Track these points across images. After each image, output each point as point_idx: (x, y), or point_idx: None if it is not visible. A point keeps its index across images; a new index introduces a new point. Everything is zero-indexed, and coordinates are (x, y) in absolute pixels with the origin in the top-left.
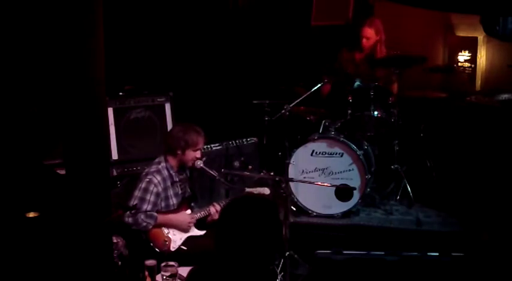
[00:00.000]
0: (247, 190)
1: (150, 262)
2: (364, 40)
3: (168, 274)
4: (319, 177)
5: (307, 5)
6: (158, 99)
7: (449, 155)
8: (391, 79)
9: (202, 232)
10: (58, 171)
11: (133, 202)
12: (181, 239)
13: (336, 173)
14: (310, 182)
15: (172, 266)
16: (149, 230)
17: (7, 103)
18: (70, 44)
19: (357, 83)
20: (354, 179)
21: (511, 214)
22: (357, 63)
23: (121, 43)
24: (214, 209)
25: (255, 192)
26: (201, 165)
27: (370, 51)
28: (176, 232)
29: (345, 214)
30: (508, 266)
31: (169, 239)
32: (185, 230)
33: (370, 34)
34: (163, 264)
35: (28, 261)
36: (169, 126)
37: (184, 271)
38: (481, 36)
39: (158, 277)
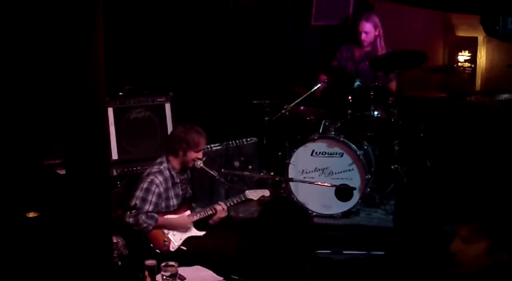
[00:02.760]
0: (247, 192)
1: (150, 262)
2: (363, 35)
3: (168, 274)
4: (319, 177)
5: (307, 5)
6: (158, 99)
7: (449, 155)
8: (390, 77)
9: (202, 233)
10: (58, 171)
11: (135, 202)
12: (181, 239)
13: (336, 173)
14: (310, 182)
15: (172, 266)
16: (149, 231)
17: (7, 103)
18: (70, 44)
19: (357, 83)
20: (354, 179)
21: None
22: (356, 61)
23: (121, 43)
24: (221, 208)
25: (255, 194)
26: (201, 165)
27: (371, 47)
28: (176, 232)
29: (345, 214)
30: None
31: (169, 239)
32: (185, 231)
33: (368, 28)
34: (163, 264)
35: (28, 261)
36: (170, 126)
37: (184, 271)
38: (481, 36)
39: (158, 277)
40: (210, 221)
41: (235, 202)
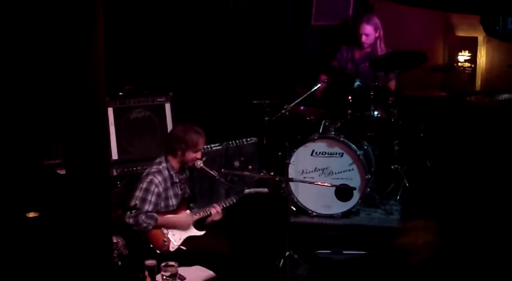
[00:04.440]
0: (246, 191)
1: (150, 262)
2: (363, 37)
3: (168, 274)
4: (319, 177)
5: (307, 5)
6: (158, 99)
7: (449, 155)
8: (389, 76)
9: (201, 232)
10: (58, 171)
11: (134, 202)
12: (180, 239)
13: (336, 173)
14: (310, 182)
15: (172, 266)
16: (148, 231)
17: (7, 103)
18: (70, 44)
19: (357, 83)
20: (354, 179)
21: (511, 213)
22: (356, 62)
23: (121, 43)
24: (215, 210)
25: (254, 193)
26: (201, 165)
27: (371, 48)
28: (175, 232)
29: (345, 214)
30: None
31: (169, 239)
32: (185, 230)
33: (368, 31)
34: (163, 264)
35: (28, 261)
36: (169, 126)
37: (184, 271)
38: (481, 36)
39: (158, 277)
40: (206, 222)
41: (235, 201)
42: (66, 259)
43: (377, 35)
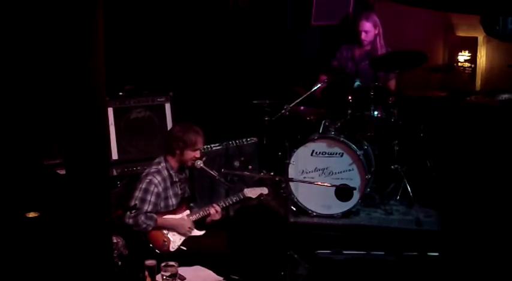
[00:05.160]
0: (246, 190)
1: (150, 262)
2: (362, 34)
3: (168, 274)
4: (319, 177)
5: (307, 5)
6: (158, 99)
7: (449, 155)
8: (389, 76)
9: (201, 232)
10: (58, 171)
11: (134, 202)
12: (180, 239)
13: (336, 173)
14: (310, 182)
15: (172, 266)
16: (148, 231)
17: (7, 103)
18: (70, 44)
19: (357, 82)
20: (354, 179)
21: (511, 213)
22: (356, 61)
23: (121, 43)
24: (214, 210)
25: (254, 192)
26: (201, 165)
27: (370, 46)
28: (176, 232)
29: (345, 214)
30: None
31: (169, 239)
32: (185, 234)
33: (368, 27)
34: (163, 264)
35: (28, 261)
36: (169, 126)
37: (184, 271)
38: (481, 36)
39: (158, 277)
40: (205, 222)
41: (234, 200)
42: (66, 259)
43: (376, 31)
